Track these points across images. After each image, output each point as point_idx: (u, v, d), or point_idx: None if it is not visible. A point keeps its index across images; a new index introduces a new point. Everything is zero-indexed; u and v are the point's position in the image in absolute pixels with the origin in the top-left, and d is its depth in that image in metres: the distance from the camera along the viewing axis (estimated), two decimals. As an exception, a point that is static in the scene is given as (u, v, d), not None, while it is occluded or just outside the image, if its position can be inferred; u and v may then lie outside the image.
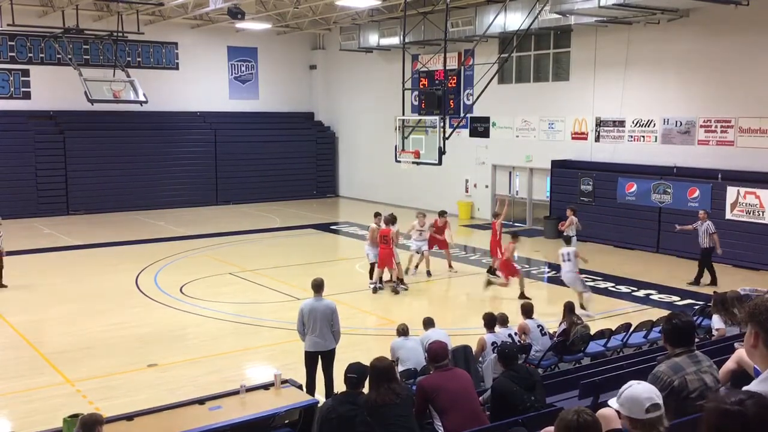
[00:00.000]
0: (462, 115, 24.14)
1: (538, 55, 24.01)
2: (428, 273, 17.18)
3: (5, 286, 15.91)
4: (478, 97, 19.67)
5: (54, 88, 26.89)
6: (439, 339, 7.73)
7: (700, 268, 16.20)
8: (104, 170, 27.48)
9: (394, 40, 25.95)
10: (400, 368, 8.57)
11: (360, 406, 6.04)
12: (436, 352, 6.59)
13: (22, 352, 11.90)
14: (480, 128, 25.89)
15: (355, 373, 6.37)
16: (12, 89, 26.87)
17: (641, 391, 3.66)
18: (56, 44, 25.35)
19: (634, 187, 20.46)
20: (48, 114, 27.39)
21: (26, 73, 27.06)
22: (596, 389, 6.83)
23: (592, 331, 10.66)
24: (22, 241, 19.39)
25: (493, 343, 9.20)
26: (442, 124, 17.55)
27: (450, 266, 17.83)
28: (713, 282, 15.85)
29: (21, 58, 26.88)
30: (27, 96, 27.14)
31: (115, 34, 22.93)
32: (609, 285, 16.38)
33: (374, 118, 29.52)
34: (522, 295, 14.42)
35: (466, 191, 26.79)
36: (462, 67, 25.28)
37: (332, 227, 24.59)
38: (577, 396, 7.04)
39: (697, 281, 16.13)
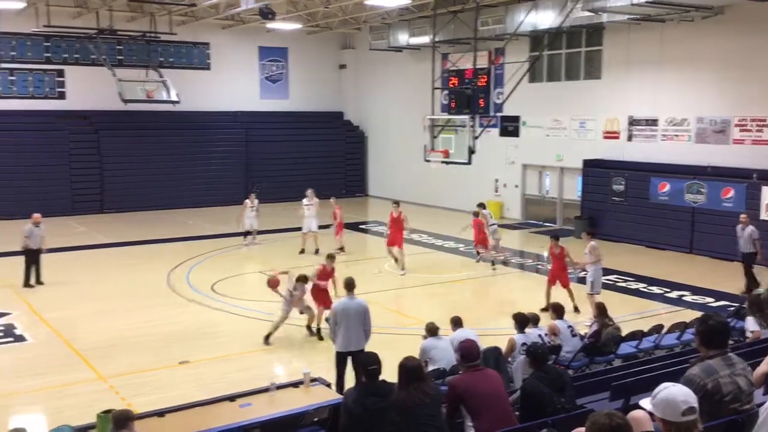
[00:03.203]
0: (492, 114, 24.02)
1: (570, 53, 23.79)
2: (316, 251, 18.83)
3: (42, 283, 16.22)
4: (508, 96, 19.58)
5: (88, 89, 27.29)
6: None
7: (746, 273, 15.33)
8: (137, 169, 27.84)
9: (424, 39, 25.88)
10: (430, 368, 8.55)
11: (387, 399, 5.99)
12: (469, 351, 6.42)
13: (57, 348, 12.11)
14: (510, 127, 25.72)
15: (377, 363, 6.29)
16: (47, 89, 27.35)
17: (677, 393, 3.60)
18: (91, 45, 25.75)
19: (667, 187, 20.18)
20: (82, 114, 27.81)
21: (61, 73, 27.51)
22: (627, 391, 6.75)
23: (624, 333, 10.54)
24: (57, 239, 19.69)
25: (523, 344, 9.12)
26: (471, 123, 17.51)
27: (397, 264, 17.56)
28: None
29: (56, 58, 27.33)
30: (62, 96, 27.59)
31: (148, 34, 23.24)
32: (641, 286, 16.17)
33: (403, 118, 29.50)
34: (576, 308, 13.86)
35: (496, 191, 26.65)
36: (492, 66, 25.16)
37: (361, 226, 24.62)
38: (608, 398, 6.97)
39: (749, 289, 14.88)
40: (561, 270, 14.01)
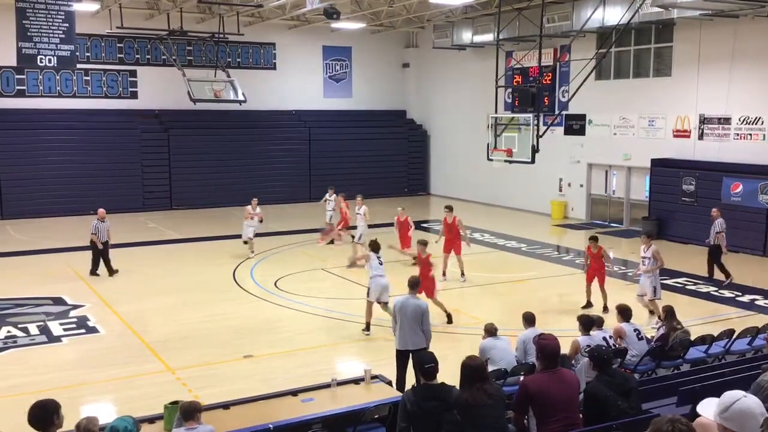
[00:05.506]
0: (557, 112, 23.69)
1: (638, 50, 23.25)
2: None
3: (116, 271, 16.86)
4: (573, 94, 19.27)
5: (159, 88, 28.10)
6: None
7: (710, 266, 16.43)
8: (205, 167, 28.51)
9: (488, 37, 25.71)
10: (490, 368, 8.49)
11: (447, 402, 5.92)
12: (552, 350, 5.98)
13: (128, 340, 12.50)
14: (575, 126, 25.32)
15: (433, 361, 6.19)
16: (120, 89, 28.24)
17: (753, 405, 3.41)
18: (161, 46, 26.48)
19: (740, 188, 19.54)
20: (153, 113, 28.63)
21: (134, 73, 28.37)
22: (696, 397, 6.57)
23: (693, 337, 10.27)
24: (129, 234, 20.32)
25: (587, 346, 8.97)
26: (535, 121, 17.30)
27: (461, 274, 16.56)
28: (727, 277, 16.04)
29: (129, 59, 28.20)
30: (134, 95, 28.45)
31: (216, 35, 23.77)
32: (711, 289, 15.73)
33: (466, 116, 29.36)
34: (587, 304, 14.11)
35: (560, 190, 26.27)
36: (558, 64, 24.79)
37: (422, 225, 24.60)
38: (675, 403, 6.82)
39: (710, 277, 16.45)
40: (598, 270, 14.09)
